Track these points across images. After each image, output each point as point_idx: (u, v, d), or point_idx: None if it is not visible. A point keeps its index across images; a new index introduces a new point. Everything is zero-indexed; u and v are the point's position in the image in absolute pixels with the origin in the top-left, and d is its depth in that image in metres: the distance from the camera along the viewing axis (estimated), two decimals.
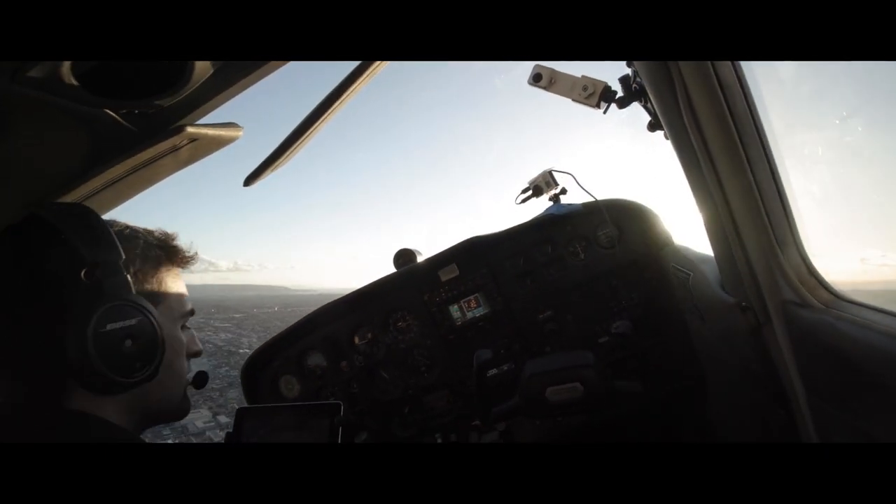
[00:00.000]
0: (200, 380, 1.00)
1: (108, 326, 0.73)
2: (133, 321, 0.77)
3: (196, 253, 0.97)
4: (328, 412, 1.07)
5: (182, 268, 0.97)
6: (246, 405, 1.14)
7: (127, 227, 0.91)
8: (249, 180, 1.09)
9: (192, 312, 0.98)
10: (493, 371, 2.16)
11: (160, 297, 0.89)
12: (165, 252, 0.93)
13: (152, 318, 0.80)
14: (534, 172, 2.20)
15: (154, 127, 0.99)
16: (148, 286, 0.87)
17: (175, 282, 0.94)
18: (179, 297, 0.94)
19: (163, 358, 0.82)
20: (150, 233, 0.94)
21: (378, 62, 0.97)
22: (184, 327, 0.97)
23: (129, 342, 0.76)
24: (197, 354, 0.99)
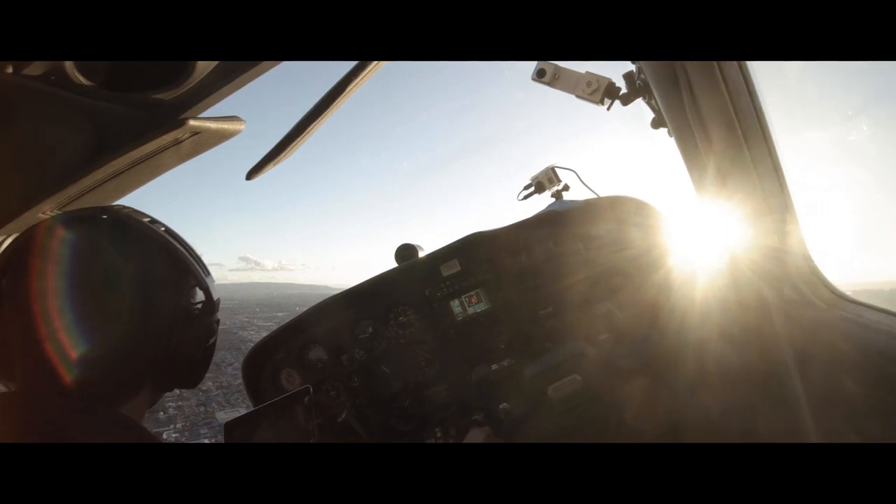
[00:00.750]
0: None
1: (210, 341, 0.89)
2: (216, 336, 0.92)
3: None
4: (299, 398, 1.12)
5: None
6: (230, 419, 1.19)
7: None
8: (251, 174, 1.09)
9: None
10: (494, 367, 2.16)
11: None
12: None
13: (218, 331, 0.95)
14: (537, 168, 2.19)
15: (157, 120, 0.99)
16: None
17: None
18: None
19: None
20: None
21: (377, 62, 0.96)
22: None
23: (210, 353, 0.92)
24: None
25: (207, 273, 0.89)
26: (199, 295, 0.87)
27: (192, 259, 0.86)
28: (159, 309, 0.80)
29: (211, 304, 0.88)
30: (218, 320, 0.92)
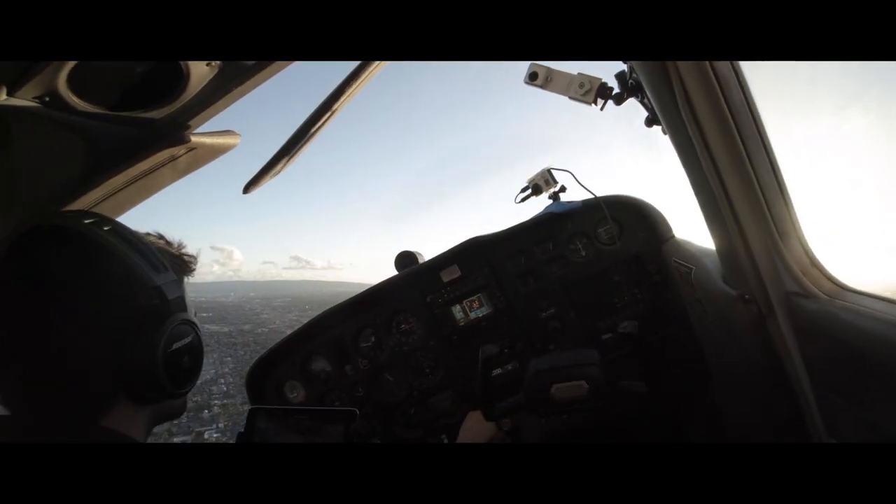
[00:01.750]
0: None
1: (175, 346, 0.79)
2: (189, 339, 0.82)
3: (196, 257, 0.95)
4: (343, 419, 1.07)
5: (189, 276, 0.95)
6: (259, 406, 1.14)
7: (151, 236, 0.90)
8: (248, 188, 1.09)
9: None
10: (498, 371, 2.16)
11: None
12: (181, 262, 0.93)
13: (200, 334, 0.86)
14: (533, 171, 2.20)
15: (152, 137, 1.00)
16: None
17: (184, 290, 0.94)
18: (188, 305, 0.93)
19: None
20: (169, 243, 0.93)
21: (375, 63, 0.97)
22: None
23: (186, 358, 0.82)
24: None
25: (164, 269, 0.81)
26: (153, 297, 0.78)
27: (139, 258, 0.78)
28: (101, 315, 0.74)
29: (165, 306, 0.79)
30: (188, 321, 0.83)
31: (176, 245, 0.92)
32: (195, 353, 0.84)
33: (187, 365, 0.82)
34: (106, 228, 0.78)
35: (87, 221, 0.77)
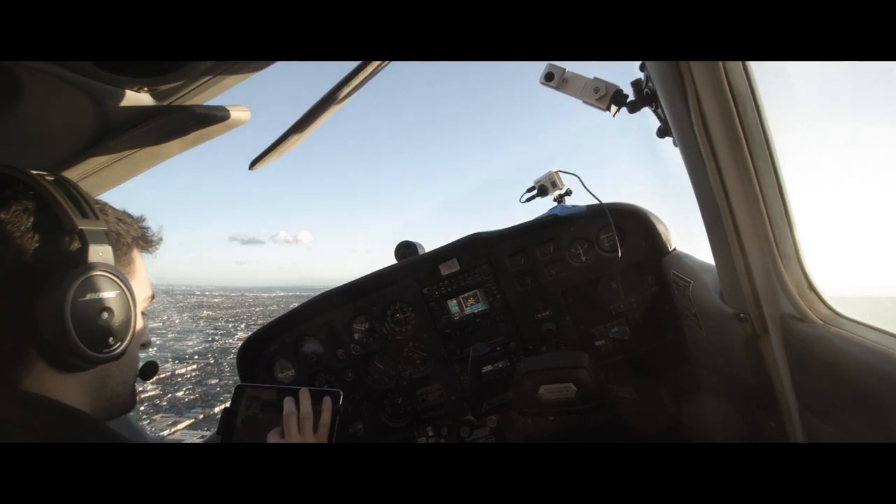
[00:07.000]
0: (149, 370, 0.94)
1: (88, 296, 0.70)
2: (112, 294, 0.74)
3: (161, 238, 0.92)
4: (326, 398, 1.08)
5: (147, 251, 0.93)
6: (246, 383, 1.16)
7: (97, 201, 0.84)
8: (254, 164, 1.10)
9: (152, 297, 0.93)
10: (489, 368, 2.17)
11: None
12: (134, 232, 0.89)
13: (129, 293, 0.78)
14: (540, 172, 2.20)
15: (162, 106, 1.00)
16: (117, 264, 0.80)
17: (140, 264, 0.90)
18: (143, 279, 0.90)
19: (133, 337, 0.79)
20: (121, 212, 0.89)
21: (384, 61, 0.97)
22: (142, 312, 0.90)
23: (105, 315, 0.73)
24: (147, 345, 0.93)
25: (94, 216, 0.74)
26: (75, 244, 0.71)
27: (68, 202, 0.72)
28: (14, 262, 0.67)
29: (82, 254, 0.71)
30: (114, 274, 0.74)
31: (131, 216, 0.89)
32: (119, 312, 0.75)
33: (105, 323, 0.73)
34: (49, 178, 0.73)
35: (33, 172, 0.72)
